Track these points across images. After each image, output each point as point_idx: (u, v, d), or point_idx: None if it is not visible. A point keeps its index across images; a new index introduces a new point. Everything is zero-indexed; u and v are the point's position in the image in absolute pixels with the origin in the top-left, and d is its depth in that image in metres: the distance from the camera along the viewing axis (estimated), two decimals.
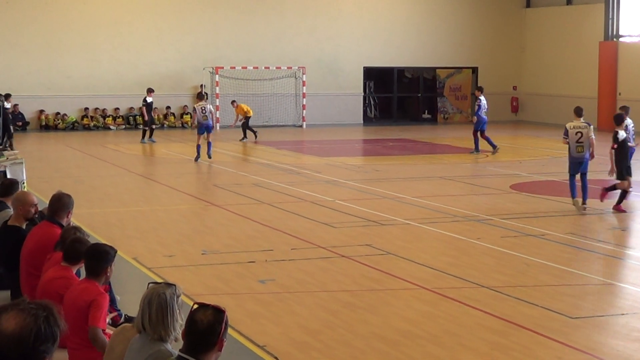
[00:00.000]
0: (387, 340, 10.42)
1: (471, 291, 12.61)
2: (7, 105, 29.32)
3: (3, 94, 29.01)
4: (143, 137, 34.44)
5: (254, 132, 35.44)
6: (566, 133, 19.28)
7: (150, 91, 35.12)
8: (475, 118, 30.45)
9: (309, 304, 12.01)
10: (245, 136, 35.64)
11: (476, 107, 30.58)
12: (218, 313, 5.50)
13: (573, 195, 19.39)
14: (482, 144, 30.56)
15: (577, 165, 19.49)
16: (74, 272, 8.94)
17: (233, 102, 37.71)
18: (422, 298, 12.33)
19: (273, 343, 10.29)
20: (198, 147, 28.26)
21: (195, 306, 5.56)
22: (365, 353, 10.02)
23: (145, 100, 34.84)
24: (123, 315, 9.75)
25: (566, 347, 10.23)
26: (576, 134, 19.32)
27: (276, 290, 12.69)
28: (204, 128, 28.60)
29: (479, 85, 32.47)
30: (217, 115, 41.58)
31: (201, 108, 28.89)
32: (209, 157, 28.34)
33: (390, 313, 11.59)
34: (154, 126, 34.69)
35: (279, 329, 10.82)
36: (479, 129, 30.47)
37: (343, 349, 10.15)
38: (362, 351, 10.07)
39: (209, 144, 28.49)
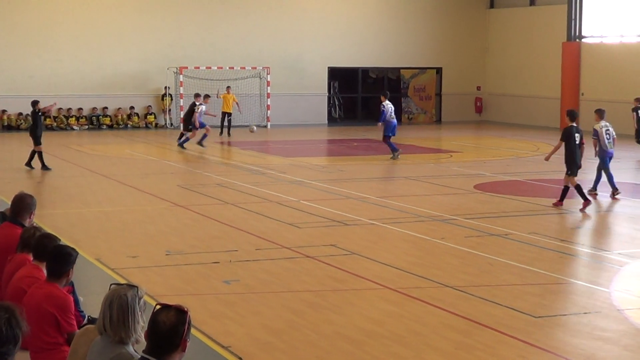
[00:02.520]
0: (351, 340, 10.43)
1: (435, 291, 12.65)
2: None
3: None
4: (181, 139, 33.17)
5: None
6: (596, 134, 19.82)
7: (206, 97, 34.47)
8: (381, 124, 30.05)
9: (273, 304, 12.00)
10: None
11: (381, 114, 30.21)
12: (181, 314, 5.46)
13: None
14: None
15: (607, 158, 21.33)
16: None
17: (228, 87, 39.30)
18: (387, 298, 12.35)
19: (237, 343, 10.27)
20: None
21: (158, 307, 5.52)
22: (330, 353, 10.02)
23: (194, 104, 33.65)
24: (86, 316, 9.68)
25: (529, 346, 10.28)
26: (605, 133, 20.99)
27: (240, 290, 12.67)
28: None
29: (384, 90, 32.81)
30: (181, 116, 41.42)
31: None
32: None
33: (354, 313, 11.60)
34: (188, 133, 33.30)
35: (243, 330, 10.80)
36: (388, 134, 29.96)
37: (308, 349, 10.15)
38: (327, 351, 10.07)
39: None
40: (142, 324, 6.16)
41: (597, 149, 21.66)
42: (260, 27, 43.49)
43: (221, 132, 38.44)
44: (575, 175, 19.91)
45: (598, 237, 17.35)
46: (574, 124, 20.06)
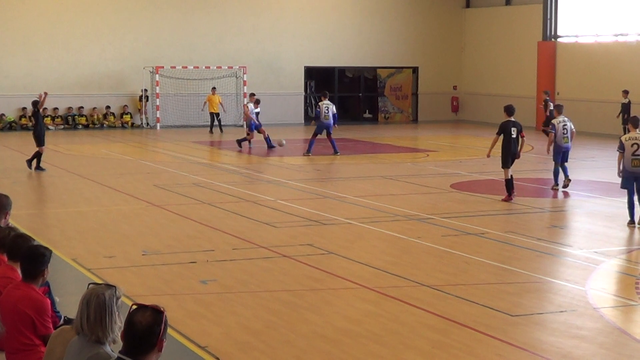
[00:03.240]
0: (329, 339, 10.44)
1: (412, 290, 12.68)
2: None
3: None
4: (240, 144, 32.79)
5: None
6: (621, 146, 17.86)
7: (251, 96, 34.19)
8: (313, 123, 30.87)
9: (250, 304, 11.99)
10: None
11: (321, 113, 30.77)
12: (157, 314, 5.45)
13: (631, 216, 17.87)
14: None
15: (633, 181, 17.81)
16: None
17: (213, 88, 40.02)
18: (364, 297, 12.37)
19: (215, 343, 10.26)
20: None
21: (134, 307, 5.51)
22: (307, 352, 10.03)
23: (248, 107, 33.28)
24: (63, 317, 9.64)
25: (506, 345, 10.32)
26: (632, 145, 17.70)
27: (218, 290, 12.66)
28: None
29: (323, 91, 33.31)
30: (157, 115, 41.39)
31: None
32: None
33: (332, 312, 11.61)
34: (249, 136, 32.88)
35: (220, 330, 10.79)
36: (317, 132, 30.70)
37: (285, 348, 10.15)
38: (304, 351, 10.07)
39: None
40: (119, 324, 6.14)
41: (550, 143, 22.54)
42: (237, 26, 43.44)
43: (211, 131, 39.44)
44: (509, 167, 20.59)
45: (574, 236, 17.42)
46: (511, 119, 20.83)
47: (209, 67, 42.29)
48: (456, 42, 47.80)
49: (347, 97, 48.61)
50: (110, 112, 41.68)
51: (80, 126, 40.96)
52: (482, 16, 46.59)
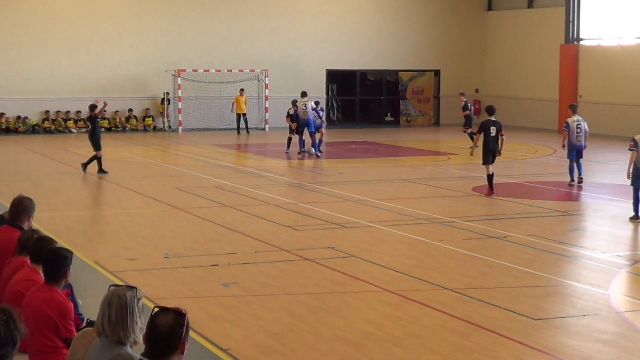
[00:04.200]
0: (350, 342, 10.44)
1: (433, 293, 12.65)
2: None
3: None
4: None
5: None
6: (635, 145, 18.42)
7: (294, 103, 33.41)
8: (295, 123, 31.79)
9: (272, 307, 12.00)
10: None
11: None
12: (179, 316, 5.46)
13: (635, 211, 18.37)
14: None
15: None
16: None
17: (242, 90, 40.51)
18: (385, 300, 12.36)
19: (236, 346, 10.27)
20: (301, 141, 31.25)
21: (156, 310, 5.52)
22: (329, 355, 10.02)
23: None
24: (85, 319, 9.68)
25: (528, 348, 10.28)
26: None
27: (239, 293, 12.67)
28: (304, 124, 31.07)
29: (302, 91, 33.61)
30: (179, 118, 41.50)
31: (303, 105, 31.07)
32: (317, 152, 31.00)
33: (353, 315, 11.61)
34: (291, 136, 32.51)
35: (242, 332, 10.80)
36: (300, 130, 31.45)
37: (306, 351, 10.15)
38: (325, 354, 10.07)
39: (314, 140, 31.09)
40: (140, 325, 6.16)
41: (566, 141, 23.33)
42: (259, 29, 43.50)
43: (238, 132, 39.95)
44: (490, 163, 21.67)
45: (596, 239, 17.33)
46: (491, 118, 21.88)
47: (230, 70, 42.34)
48: (478, 45, 47.69)
49: (369, 100, 48.58)
50: (133, 115, 41.80)
51: (103, 129, 40.96)
52: (504, 19, 46.46)
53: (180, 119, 41.60)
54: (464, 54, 47.52)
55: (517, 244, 16.12)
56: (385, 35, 46.01)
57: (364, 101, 47.69)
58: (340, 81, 47.50)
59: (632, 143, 18.35)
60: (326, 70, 45.33)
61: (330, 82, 46.73)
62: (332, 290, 12.91)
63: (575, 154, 23.29)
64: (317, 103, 32.47)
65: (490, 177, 21.74)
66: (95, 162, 25.56)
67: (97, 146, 25.60)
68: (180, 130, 41.31)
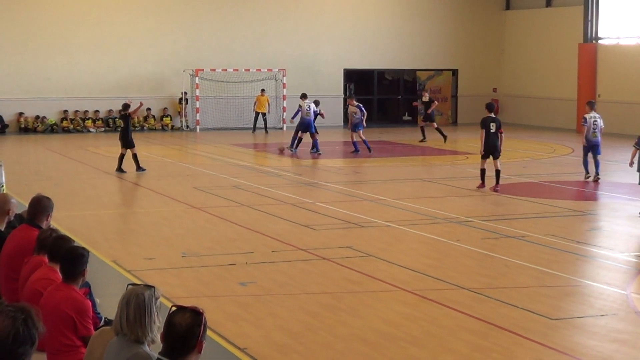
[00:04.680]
0: (367, 342, 10.43)
1: (451, 293, 12.64)
2: None
3: None
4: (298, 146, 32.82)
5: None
6: (585, 121, 19.38)
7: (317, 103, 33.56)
8: (292, 120, 33.38)
9: (289, 306, 12.01)
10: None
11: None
12: (196, 315, 5.47)
13: None
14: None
15: None
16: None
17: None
18: (403, 300, 12.34)
19: (254, 346, 10.28)
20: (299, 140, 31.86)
21: (173, 309, 5.54)
22: (346, 355, 10.02)
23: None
24: (103, 318, 9.71)
25: (546, 348, 10.26)
26: None
27: (257, 292, 12.68)
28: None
29: (303, 93, 34.15)
30: (197, 118, 41.58)
31: (307, 106, 32.05)
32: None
33: (370, 315, 11.60)
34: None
35: (259, 332, 10.81)
36: (307, 131, 32.06)
37: (324, 351, 10.15)
38: (343, 353, 10.07)
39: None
40: (158, 324, 6.18)
41: (584, 136, 24.06)
42: (276, 29, 43.54)
43: (253, 131, 40.33)
44: (486, 158, 22.44)
45: (614, 239, 17.26)
46: (491, 115, 22.81)
47: (248, 70, 42.40)
48: (496, 44, 47.59)
49: (387, 100, 48.55)
50: (151, 115, 41.89)
51: (121, 128, 41.16)
52: (522, 18, 46.35)
53: (198, 118, 41.68)
54: (481, 53, 47.43)
55: (535, 243, 16.08)
56: (403, 35, 45.97)
57: (381, 100, 47.67)
58: (358, 80, 47.48)
59: (637, 140, 20.40)
60: (344, 69, 45.33)
61: (348, 82, 46.71)
62: (350, 289, 12.91)
63: (591, 149, 23.91)
64: (316, 103, 33.11)
65: (483, 172, 22.61)
66: (126, 160, 25.88)
67: (128, 144, 25.75)
68: (198, 130, 41.39)
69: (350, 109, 32.60)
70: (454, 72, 47.59)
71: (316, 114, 32.36)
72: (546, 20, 44.60)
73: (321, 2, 44.57)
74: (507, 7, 47.41)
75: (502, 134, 22.71)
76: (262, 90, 40.79)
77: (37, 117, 40.21)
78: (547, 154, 31.79)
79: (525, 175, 25.64)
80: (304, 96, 33.21)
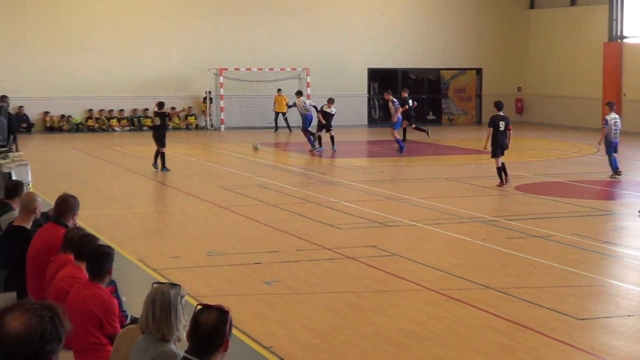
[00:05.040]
0: (393, 341, 10.41)
1: (477, 292, 12.60)
2: None
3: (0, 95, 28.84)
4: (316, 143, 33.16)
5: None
6: (606, 123, 19.78)
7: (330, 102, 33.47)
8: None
9: (314, 305, 12.00)
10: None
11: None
12: (222, 314, 5.49)
13: None
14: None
15: None
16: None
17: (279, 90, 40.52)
18: (428, 299, 12.31)
19: (279, 344, 10.28)
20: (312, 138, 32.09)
21: (199, 307, 5.55)
22: (371, 354, 10.01)
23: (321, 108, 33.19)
24: (129, 316, 9.73)
25: (572, 349, 10.21)
26: None
27: (282, 291, 12.68)
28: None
29: (298, 90, 35.04)
30: (222, 117, 41.68)
31: (302, 102, 33.03)
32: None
33: (396, 314, 11.58)
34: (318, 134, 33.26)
35: (284, 330, 10.81)
36: (305, 127, 32.93)
37: (349, 350, 10.14)
38: (368, 352, 10.06)
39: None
40: (184, 322, 6.20)
41: (602, 137, 24.48)
42: (300, 28, 43.57)
43: (275, 130, 40.46)
44: (499, 156, 22.80)
45: None
46: (500, 113, 23.32)
47: (272, 69, 42.45)
48: (520, 43, 47.43)
49: (411, 99, 48.38)
50: (175, 114, 41.97)
51: (146, 128, 41.28)
52: (546, 17, 46.17)
53: (222, 117, 41.77)
54: (506, 52, 47.29)
55: (560, 243, 16.00)
56: (427, 34, 45.89)
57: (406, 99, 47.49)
58: (382, 80, 47.41)
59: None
60: (368, 68, 45.31)
61: (372, 81, 46.69)
62: (375, 289, 12.89)
63: (612, 149, 24.43)
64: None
65: (499, 170, 22.84)
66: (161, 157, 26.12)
67: (162, 143, 25.86)
68: (222, 129, 41.48)
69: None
70: (478, 71, 47.48)
71: (316, 109, 32.73)
72: (571, 19, 44.41)
73: (346, 1, 44.55)
74: (532, 6, 47.25)
75: (511, 132, 23.40)
76: (279, 90, 40.66)
77: (63, 116, 40.41)
78: (573, 153, 31.65)
79: (551, 174, 25.54)
80: (299, 93, 34.14)
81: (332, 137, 31.91)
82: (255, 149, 31.93)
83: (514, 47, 47.39)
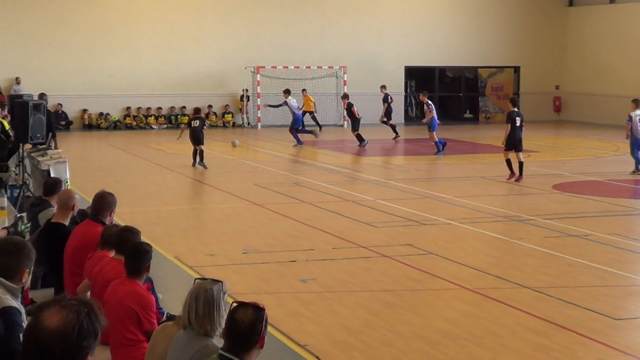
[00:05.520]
0: (428, 340, 10.39)
1: (513, 291, 12.55)
2: None
3: (39, 93, 29.09)
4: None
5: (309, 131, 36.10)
6: (630, 119, 20.24)
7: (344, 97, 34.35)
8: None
9: (350, 303, 12.01)
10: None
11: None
12: (258, 311, 5.52)
13: None
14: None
15: None
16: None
17: (303, 90, 39.51)
18: (464, 298, 12.28)
19: (314, 342, 10.29)
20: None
21: (235, 305, 5.58)
22: (406, 353, 9.99)
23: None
24: (165, 313, 9.79)
25: (608, 348, 10.14)
26: None
27: (317, 289, 12.70)
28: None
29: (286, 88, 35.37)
30: (258, 115, 41.76)
31: (293, 101, 33.14)
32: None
33: (431, 313, 11.56)
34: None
35: (320, 329, 10.82)
36: (296, 126, 33.88)
37: (384, 348, 10.13)
38: (403, 351, 10.05)
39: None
40: (226, 318, 6.24)
41: (629, 133, 25.21)
42: (337, 26, 43.56)
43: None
44: (510, 150, 23.50)
45: None
46: (515, 109, 23.85)
47: (309, 67, 42.47)
48: (559, 41, 47.15)
49: (448, 97, 48.34)
50: (212, 112, 42.15)
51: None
52: (585, 14, 45.86)
53: (259, 115, 41.85)
54: (544, 50, 47.03)
55: (598, 242, 15.90)
56: (464, 32, 45.74)
57: (442, 98, 47.45)
58: (419, 78, 47.34)
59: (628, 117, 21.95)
60: (405, 66, 45.23)
61: (409, 79, 46.61)
62: (410, 287, 12.87)
63: (638, 146, 25.09)
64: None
65: (509, 162, 23.60)
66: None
67: (200, 141, 26.10)
68: (259, 127, 41.56)
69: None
70: (516, 69, 47.25)
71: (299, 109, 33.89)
72: (610, 17, 44.09)
73: None
74: (571, 4, 46.95)
75: (523, 128, 23.98)
76: (303, 90, 40.19)
77: (101, 114, 40.66)
78: (611, 152, 31.43)
79: (589, 173, 25.38)
80: (287, 91, 34.75)
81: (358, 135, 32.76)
82: (234, 145, 32.44)
83: (552, 44, 47.12)
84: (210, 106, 42.04)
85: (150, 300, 8.32)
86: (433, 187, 22.76)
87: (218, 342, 6.27)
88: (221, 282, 6.42)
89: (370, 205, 19.90)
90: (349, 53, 43.63)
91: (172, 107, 41.65)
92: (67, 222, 10.78)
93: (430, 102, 32.29)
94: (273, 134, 38.21)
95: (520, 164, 23.39)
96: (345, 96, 34.04)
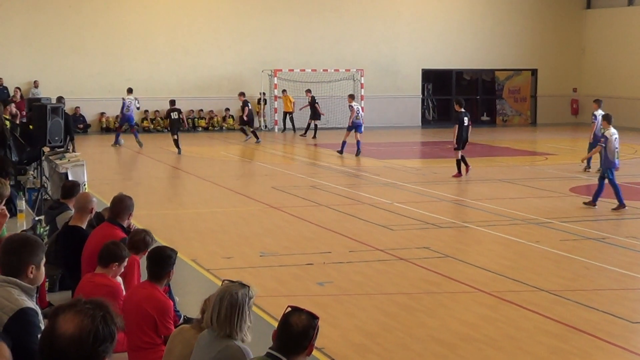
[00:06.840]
0: (445, 343, 10.39)
1: (530, 295, 12.52)
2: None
3: (57, 96, 29.21)
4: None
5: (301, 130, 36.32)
6: (605, 141, 18.99)
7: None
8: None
9: (366, 306, 12.01)
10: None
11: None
12: (312, 319, 5.69)
13: None
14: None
15: None
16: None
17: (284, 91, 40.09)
18: (481, 301, 12.27)
19: (331, 345, 10.29)
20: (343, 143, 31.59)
21: (289, 309, 5.70)
22: (423, 356, 9.99)
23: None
24: (182, 316, 9.80)
25: (627, 352, 10.12)
26: None
27: (334, 292, 12.70)
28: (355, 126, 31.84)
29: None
30: (276, 118, 41.80)
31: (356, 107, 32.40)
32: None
33: (448, 316, 11.55)
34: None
35: (337, 332, 10.83)
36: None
37: (401, 351, 10.13)
38: (420, 354, 10.04)
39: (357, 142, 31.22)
40: (249, 323, 6.26)
41: (603, 158, 20.75)
42: (354, 29, 43.56)
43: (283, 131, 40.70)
44: (461, 149, 25.17)
45: None
46: (462, 110, 25.66)
47: (326, 70, 42.49)
48: (576, 43, 47.04)
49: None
50: (229, 115, 42.21)
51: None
52: (603, 17, 45.73)
53: (276, 118, 41.88)
54: (561, 53, 46.92)
55: (615, 245, 15.86)
56: (481, 34, 45.68)
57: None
58: (436, 80, 47.32)
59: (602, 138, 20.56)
60: (422, 69, 45.20)
61: (426, 82, 46.58)
62: (427, 290, 12.86)
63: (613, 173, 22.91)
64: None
65: (458, 162, 25.23)
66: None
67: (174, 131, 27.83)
68: (276, 130, 41.59)
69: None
70: (534, 72, 47.16)
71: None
72: (628, 19, 43.95)
73: (399, 2, 44.49)
74: (588, 6, 46.83)
75: (470, 127, 25.89)
76: (284, 90, 40.69)
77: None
78: (629, 155, 31.31)
79: None
80: (242, 94, 36.37)
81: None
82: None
83: (569, 47, 47.01)
84: (227, 109, 42.11)
85: (169, 305, 8.33)
86: (450, 189, 22.73)
87: (242, 344, 6.28)
88: (248, 286, 6.42)
89: (387, 208, 19.89)
90: (365, 56, 43.64)
91: (189, 110, 41.70)
92: (84, 225, 10.80)
93: (355, 104, 32.28)
94: (290, 137, 38.21)
95: (463, 157, 25.29)
96: (351, 96, 33.80)
